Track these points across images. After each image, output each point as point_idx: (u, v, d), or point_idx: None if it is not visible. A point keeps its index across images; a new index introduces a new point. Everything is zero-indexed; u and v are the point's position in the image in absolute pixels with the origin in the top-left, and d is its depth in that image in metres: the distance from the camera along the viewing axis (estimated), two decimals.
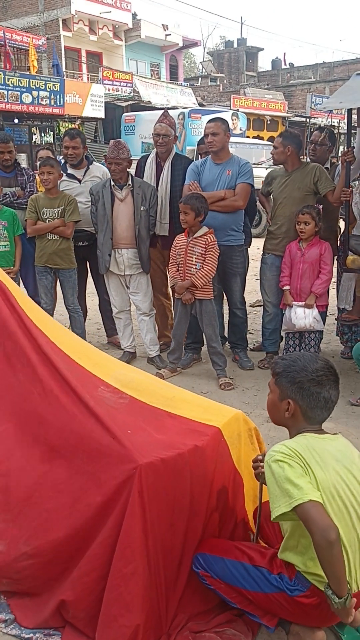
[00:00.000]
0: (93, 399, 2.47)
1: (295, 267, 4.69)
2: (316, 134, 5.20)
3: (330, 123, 21.17)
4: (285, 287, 4.77)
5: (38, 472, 2.42)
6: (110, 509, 2.18)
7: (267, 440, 3.40)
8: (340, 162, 4.76)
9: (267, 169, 12.79)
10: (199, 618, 2.33)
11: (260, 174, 7.82)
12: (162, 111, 5.47)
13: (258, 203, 5.45)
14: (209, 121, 4.82)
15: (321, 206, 4.74)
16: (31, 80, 17.61)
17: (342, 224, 5.13)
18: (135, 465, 2.16)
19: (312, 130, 25.24)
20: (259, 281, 5.78)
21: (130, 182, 4.89)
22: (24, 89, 17.26)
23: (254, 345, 5.63)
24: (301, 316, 4.65)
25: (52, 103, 18.25)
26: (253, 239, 5.60)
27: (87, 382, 2.61)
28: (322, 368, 2.11)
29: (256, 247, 5.86)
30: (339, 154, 5.43)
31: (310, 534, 1.87)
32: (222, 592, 2.23)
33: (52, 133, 19.09)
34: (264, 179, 5.20)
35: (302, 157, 5.64)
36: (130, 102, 22.57)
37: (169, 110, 5.56)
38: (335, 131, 7.04)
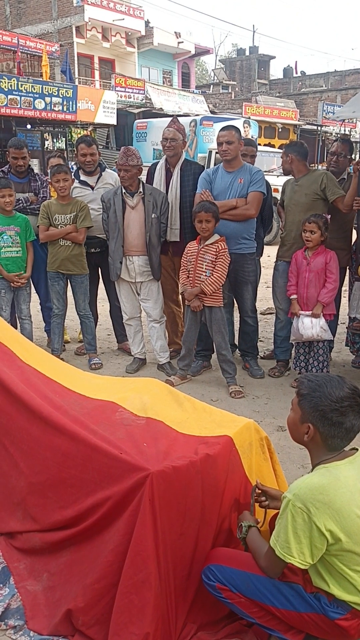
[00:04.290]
0: (108, 423, 2.57)
1: (302, 275, 4.69)
2: (337, 145, 5.17)
3: (344, 131, 21.16)
4: (292, 297, 4.76)
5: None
6: (122, 516, 2.19)
7: (278, 449, 3.40)
8: (353, 171, 4.75)
9: (277, 176, 12.81)
10: (208, 628, 2.32)
11: (271, 181, 7.81)
12: (172, 118, 5.49)
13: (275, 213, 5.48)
14: (222, 129, 4.82)
15: (329, 216, 4.74)
16: (44, 87, 17.73)
17: (354, 233, 5.13)
18: (147, 473, 2.16)
19: (323, 138, 25.20)
20: (269, 289, 5.79)
21: (141, 189, 4.90)
22: (37, 95, 17.39)
23: (265, 353, 5.62)
24: (308, 326, 4.64)
25: (65, 109, 18.37)
26: (264, 246, 5.61)
27: (104, 409, 2.71)
28: (347, 397, 2.01)
29: (267, 255, 5.87)
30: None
31: (258, 562, 2.12)
32: (242, 607, 2.15)
33: (64, 139, 19.20)
34: (281, 190, 5.23)
35: (313, 164, 5.64)
36: (142, 109, 22.69)
37: (180, 118, 5.59)
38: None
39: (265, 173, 5.05)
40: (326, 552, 1.94)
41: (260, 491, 2.41)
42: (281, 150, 15.54)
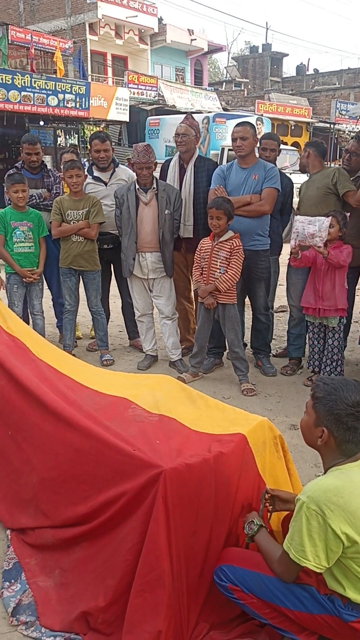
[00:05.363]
0: (121, 419, 2.55)
1: (318, 269, 4.63)
2: (352, 143, 5.12)
3: (358, 129, 20.95)
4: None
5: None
6: (136, 513, 2.17)
7: (291, 448, 3.35)
8: None
9: (290, 174, 12.75)
10: (221, 627, 2.29)
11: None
12: (185, 115, 5.47)
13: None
14: (237, 125, 4.80)
15: (349, 213, 4.70)
16: (57, 83, 17.74)
17: None
18: (160, 470, 2.15)
19: (336, 136, 24.98)
20: (281, 286, 5.75)
21: (154, 185, 4.88)
22: (50, 92, 17.39)
23: (277, 351, 5.58)
24: (307, 226, 4.47)
25: (78, 106, 18.37)
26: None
27: (117, 405, 2.70)
28: None
29: None
30: None
31: (271, 566, 2.07)
32: (254, 608, 2.13)
33: (77, 136, 19.20)
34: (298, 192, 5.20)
35: (326, 162, 5.59)
36: (155, 106, 22.64)
37: (193, 115, 5.56)
38: None
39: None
40: (342, 555, 1.91)
41: (270, 495, 2.38)
42: (294, 148, 15.42)
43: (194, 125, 5.13)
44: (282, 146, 5.43)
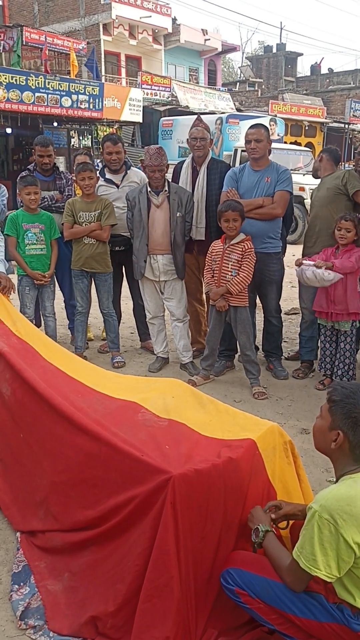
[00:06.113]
0: (130, 424, 2.55)
1: None
2: None
3: None
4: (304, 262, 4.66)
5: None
6: (145, 518, 2.17)
7: (301, 452, 3.34)
8: None
9: (304, 175, 12.68)
10: (229, 634, 2.27)
11: (297, 180, 7.76)
12: (196, 116, 5.46)
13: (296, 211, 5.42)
14: (251, 127, 4.78)
15: None
16: (71, 84, 17.80)
17: None
18: (169, 476, 2.14)
19: (350, 136, 24.77)
20: (293, 288, 5.72)
21: (166, 187, 4.88)
22: (64, 93, 17.46)
23: (289, 354, 5.56)
24: (313, 280, 4.52)
25: (91, 107, 18.42)
26: (288, 246, 5.54)
27: (127, 409, 2.70)
28: None
29: (291, 254, 5.80)
30: None
31: (281, 575, 2.05)
32: (260, 613, 2.11)
33: (90, 137, 19.27)
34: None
35: (340, 162, 5.52)
36: (168, 107, 22.66)
37: (206, 115, 5.56)
38: None
39: (291, 171, 5.00)
40: (353, 565, 1.90)
41: (274, 511, 2.33)
42: (308, 149, 15.35)
43: (207, 128, 5.14)
44: (296, 147, 5.40)
